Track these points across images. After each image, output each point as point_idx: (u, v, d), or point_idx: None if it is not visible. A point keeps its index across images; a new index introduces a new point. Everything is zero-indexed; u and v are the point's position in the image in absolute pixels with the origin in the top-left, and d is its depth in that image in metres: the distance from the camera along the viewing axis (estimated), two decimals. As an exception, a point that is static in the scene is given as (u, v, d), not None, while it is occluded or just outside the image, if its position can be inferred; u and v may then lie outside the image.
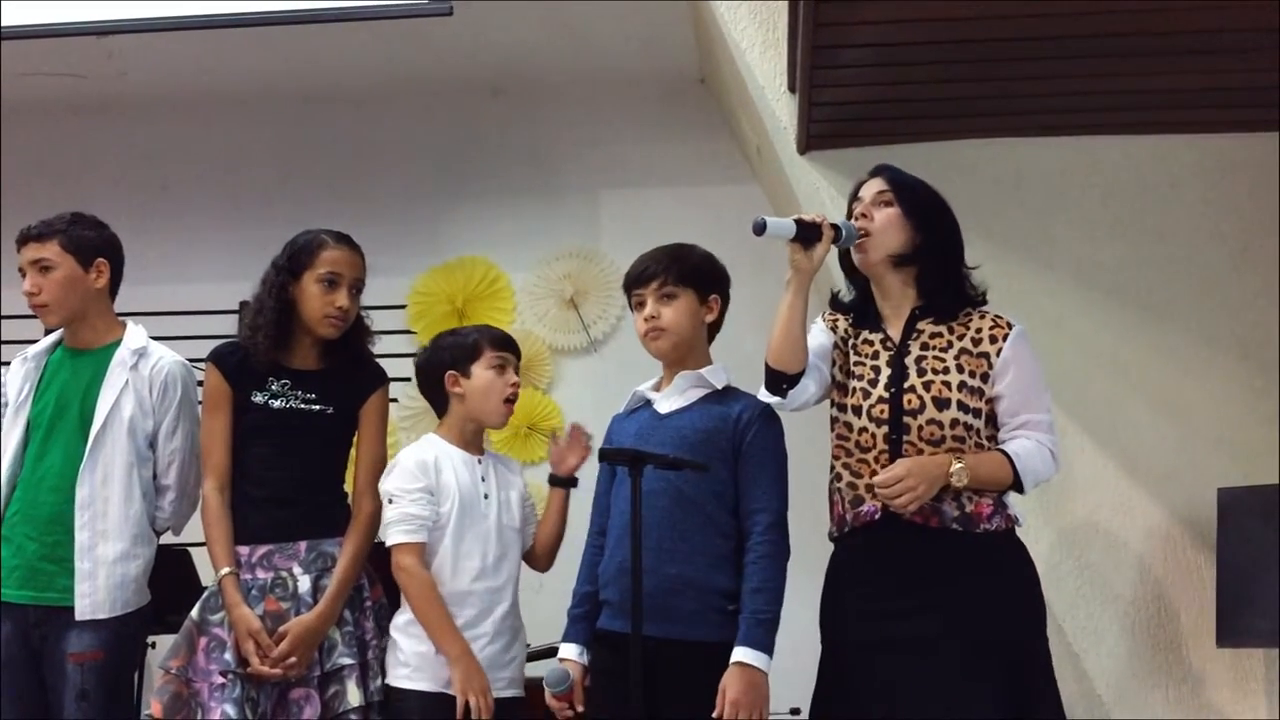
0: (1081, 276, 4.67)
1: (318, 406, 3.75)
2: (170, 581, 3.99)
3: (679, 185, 6.09)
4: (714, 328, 3.66)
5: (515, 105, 6.26)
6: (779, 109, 4.86)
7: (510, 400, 3.79)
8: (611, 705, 3.39)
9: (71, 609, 3.72)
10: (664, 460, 3.28)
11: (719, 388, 3.57)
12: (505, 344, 3.84)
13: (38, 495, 3.82)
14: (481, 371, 3.78)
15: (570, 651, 3.55)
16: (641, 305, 3.60)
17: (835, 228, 3.32)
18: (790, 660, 5.54)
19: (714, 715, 3.32)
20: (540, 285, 6.18)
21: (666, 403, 3.58)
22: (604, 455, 3.31)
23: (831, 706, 3.36)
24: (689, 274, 3.58)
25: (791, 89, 4.74)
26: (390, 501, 3.68)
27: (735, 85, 5.30)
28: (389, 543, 3.68)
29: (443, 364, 3.82)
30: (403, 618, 3.69)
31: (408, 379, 6.03)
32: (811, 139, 4.76)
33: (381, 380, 3.88)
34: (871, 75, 4.42)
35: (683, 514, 3.43)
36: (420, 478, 3.68)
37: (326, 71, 6.02)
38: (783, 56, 4.76)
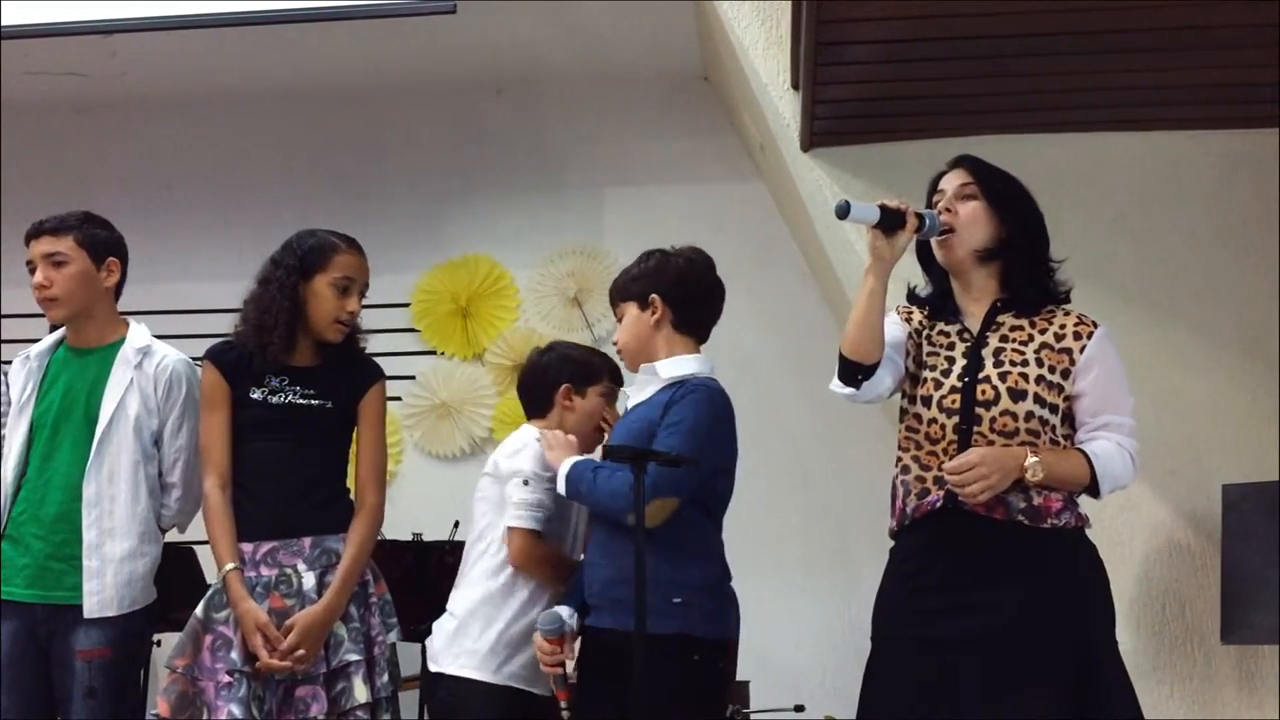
0: (1084, 273, 4.62)
1: (316, 401, 3.75)
2: (174, 579, 3.99)
3: (683, 183, 6.10)
4: (681, 319, 3.64)
5: (519, 103, 6.27)
6: (782, 106, 4.86)
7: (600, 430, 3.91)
8: (593, 701, 3.41)
9: (79, 607, 3.72)
10: (666, 458, 3.27)
11: (664, 379, 3.57)
12: (618, 377, 3.95)
13: (44, 494, 3.82)
14: (594, 396, 3.89)
15: (561, 612, 3.54)
16: None
17: (919, 216, 3.26)
18: (794, 657, 5.57)
19: None
20: (544, 283, 6.19)
21: (635, 397, 3.65)
22: (608, 452, 3.31)
23: (883, 705, 3.25)
24: (626, 288, 3.68)
25: (795, 86, 4.75)
26: (526, 483, 3.72)
27: (739, 83, 5.30)
28: (516, 524, 3.70)
29: (562, 376, 3.90)
30: (473, 601, 3.73)
31: (411, 377, 6.13)
32: (815, 136, 4.77)
33: (378, 375, 3.88)
34: (875, 72, 4.42)
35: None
36: (549, 470, 3.73)
37: (330, 70, 6.02)
38: (786, 54, 4.76)
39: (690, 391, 3.51)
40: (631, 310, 3.64)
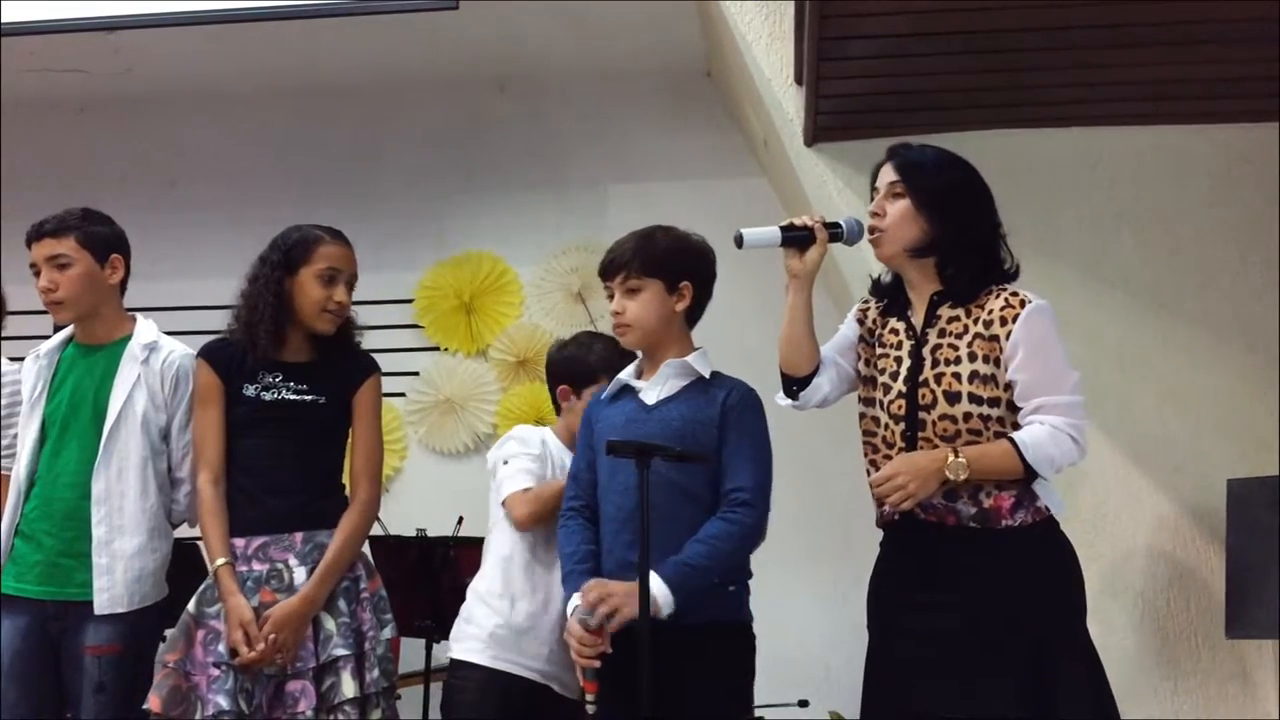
0: (1087, 268, 4.67)
1: (309, 397, 3.76)
2: (179, 576, 4.00)
3: (686, 179, 6.09)
4: (693, 312, 3.59)
5: (522, 100, 6.27)
6: (786, 102, 4.86)
7: None
8: (622, 699, 3.33)
9: (90, 603, 3.73)
10: (671, 453, 3.27)
11: (705, 375, 3.53)
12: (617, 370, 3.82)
13: (54, 491, 3.83)
14: (589, 397, 3.81)
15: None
16: (612, 298, 3.57)
17: (834, 226, 3.29)
18: (797, 652, 5.55)
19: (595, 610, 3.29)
20: (548, 279, 6.19)
21: (653, 392, 3.54)
22: (612, 448, 3.30)
23: (874, 694, 3.29)
24: (654, 264, 3.52)
25: (798, 81, 4.74)
26: (505, 463, 3.81)
27: (742, 78, 5.30)
28: (509, 491, 3.77)
29: (561, 374, 3.93)
30: (483, 585, 3.78)
31: (415, 373, 6.13)
32: (818, 131, 4.76)
33: (372, 369, 3.88)
34: (878, 67, 4.42)
35: (679, 504, 3.39)
36: (533, 446, 3.83)
37: (333, 66, 6.02)
38: (789, 49, 4.76)
39: (751, 404, 3.50)
40: (657, 289, 3.52)
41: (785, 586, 5.66)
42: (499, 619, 3.73)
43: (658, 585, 3.25)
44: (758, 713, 4.67)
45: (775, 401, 3.47)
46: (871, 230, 3.31)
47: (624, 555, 3.38)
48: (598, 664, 3.31)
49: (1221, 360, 4.61)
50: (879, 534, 3.42)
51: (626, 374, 3.63)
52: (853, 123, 4.72)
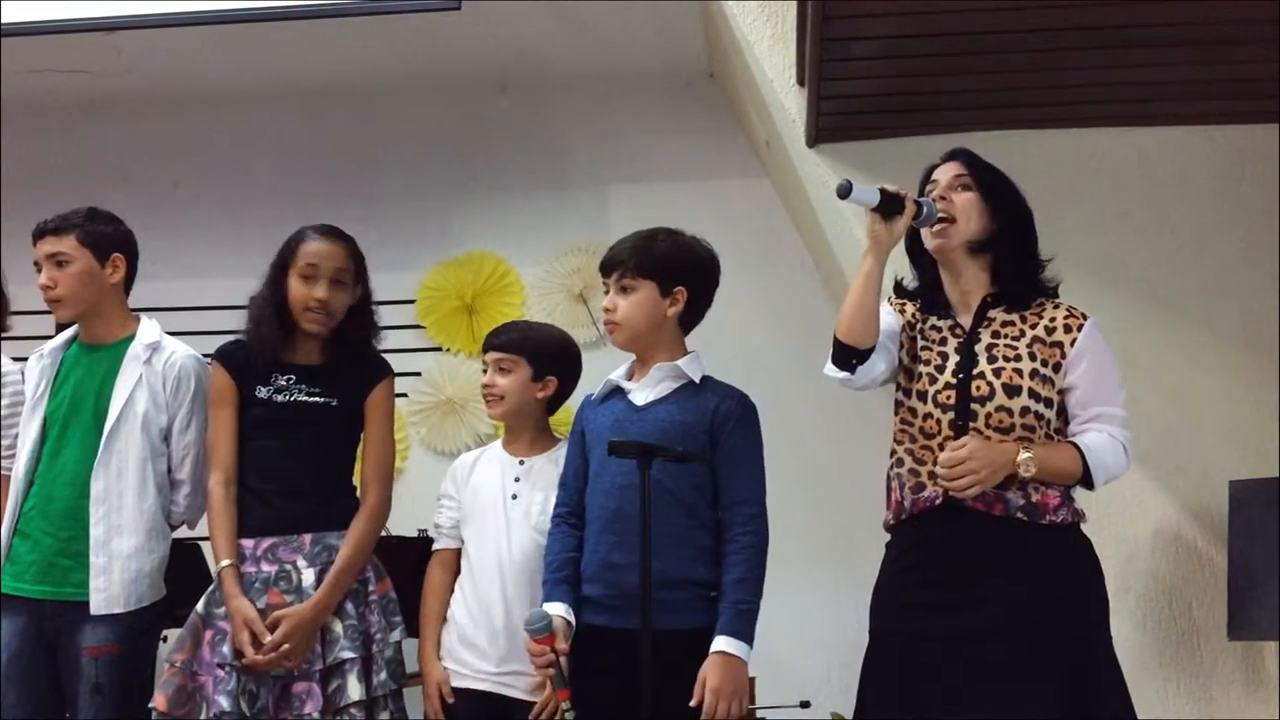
0: (1090, 269, 4.66)
1: (321, 399, 3.76)
2: (180, 576, 4.00)
3: (688, 179, 6.09)
4: (689, 318, 3.60)
5: (524, 100, 6.26)
6: (788, 102, 4.86)
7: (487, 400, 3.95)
8: (601, 703, 3.34)
9: (87, 603, 3.73)
10: (673, 454, 3.27)
11: (696, 380, 3.54)
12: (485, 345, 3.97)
13: (53, 490, 3.83)
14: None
15: (557, 609, 3.43)
16: (608, 294, 3.58)
17: (917, 204, 3.28)
18: (798, 653, 5.56)
19: (691, 704, 3.29)
20: (549, 280, 6.18)
21: (643, 393, 3.55)
22: (614, 448, 3.29)
23: (881, 699, 3.25)
24: (650, 266, 3.52)
25: (800, 82, 4.74)
26: (439, 500, 3.96)
27: (744, 79, 5.30)
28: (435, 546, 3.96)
29: None
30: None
31: (418, 374, 6.13)
32: (821, 132, 4.76)
33: (385, 372, 3.88)
34: (880, 68, 4.42)
35: (665, 507, 3.37)
36: (449, 484, 3.93)
37: (335, 67, 6.02)
38: (791, 50, 4.76)
39: (747, 414, 3.52)
40: (649, 291, 3.52)
41: (786, 587, 5.63)
42: (450, 631, 3.80)
43: (734, 645, 3.32)
44: (760, 713, 4.67)
45: (824, 373, 3.40)
46: (941, 217, 3.32)
47: (607, 556, 3.41)
48: (551, 671, 3.31)
49: (1223, 361, 4.61)
50: (881, 534, 3.41)
51: (617, 375, 3.64)
52: (855, 124, 4.72)
